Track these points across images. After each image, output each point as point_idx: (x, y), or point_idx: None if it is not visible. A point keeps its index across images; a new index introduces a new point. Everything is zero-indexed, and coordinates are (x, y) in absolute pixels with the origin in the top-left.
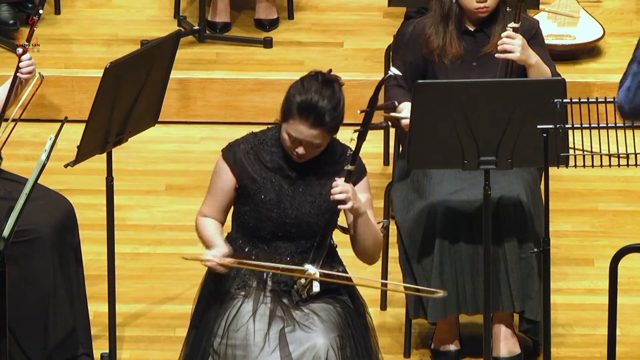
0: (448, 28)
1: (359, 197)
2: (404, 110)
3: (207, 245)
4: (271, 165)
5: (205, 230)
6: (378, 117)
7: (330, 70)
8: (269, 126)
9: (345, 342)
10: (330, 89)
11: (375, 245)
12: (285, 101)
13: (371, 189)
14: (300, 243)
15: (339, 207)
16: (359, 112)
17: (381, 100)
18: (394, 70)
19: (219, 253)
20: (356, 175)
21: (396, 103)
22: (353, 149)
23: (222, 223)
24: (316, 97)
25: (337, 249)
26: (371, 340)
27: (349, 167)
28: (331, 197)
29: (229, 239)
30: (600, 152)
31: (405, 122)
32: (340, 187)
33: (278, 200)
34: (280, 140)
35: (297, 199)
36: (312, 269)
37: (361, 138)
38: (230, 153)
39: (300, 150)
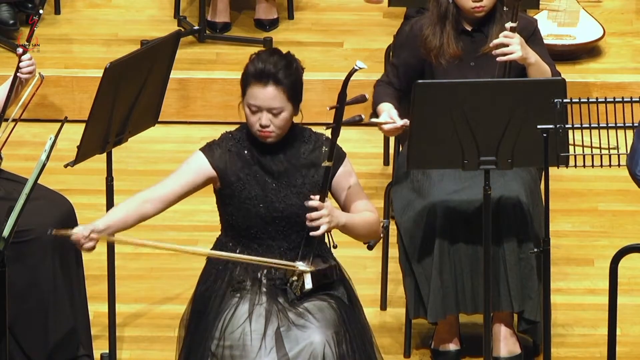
0: (445, 28)
1: (337, 213)
2: (383, 113)
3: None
4: (252, 161)
5: (116, 207)
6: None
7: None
8: (243, 123)
9: (342, 338)
10: (279, 54)
11: (368, 233)
12: (241, 81)
13: (371, 189)
14: (292, 238)
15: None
16: (328, 109)
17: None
18: (359, 64)
19: (88, 228)
20: (336, 163)
21: (366, 96)
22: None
23: (154, 212)
24: (265, 62)
25: (336, 248)
26: (367, 336)
27: (327, 164)
28: (309, 226)
29: (220, 244)
30: (600, 152)
31: (387, 127)
32: (315, 215)
33: (264, 195)
34: (252, 136)
35: (282, 191)
36: (302, 266)
37: (335, 134)
38: (212, 152)
39: (264, 119)
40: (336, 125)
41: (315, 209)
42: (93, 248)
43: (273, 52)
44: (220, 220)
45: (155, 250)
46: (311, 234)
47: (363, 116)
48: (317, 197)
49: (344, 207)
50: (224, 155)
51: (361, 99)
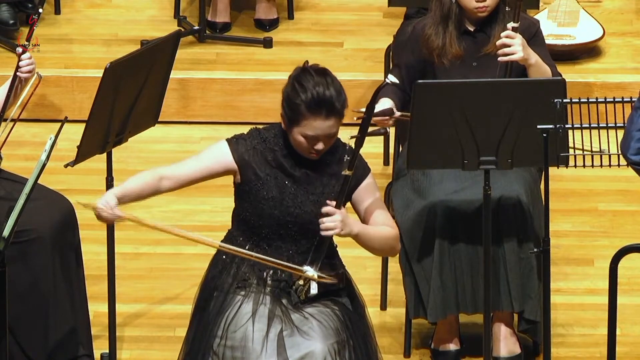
0: (448, 28)
1: (350, 221)
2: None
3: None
4: (274, 164)
5: (129, 179)
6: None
7: (307, 62)
8: (272, 123)
9: (344, 347)
10: (327, 77)
11: (384, 247)
12: (287, 107)
13: None
14: (301, 243)
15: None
16: (355, 119)
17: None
18: (391, 78)
19: (109, 198)
20: (358, 176)
21: (394, 109)
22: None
23: (169, 190)
24: (321, 90)
25: (337, 249)
26: (371, 343)
27: (347, 173)
28: (321, 228)
29: (230, 236)
30: (600, 152)
31: (375, 119)
32: (328, 219)
33: (281, 198)
34: (282, 139)
35: (299, 197)
36: (310, 271)
37: (358, 144)
38: (237, 146)
39: (320, 145)
40: (361, 137)
41: (328, 214)
42: (112, 219)
43: (319, 74)
44: (233, 213)
45: (156, 250)
46: (322, 233)
47: (388, 129)
48: (334, 202)
49: (363, 221)
50: (249, 151)
51: (389, 112)
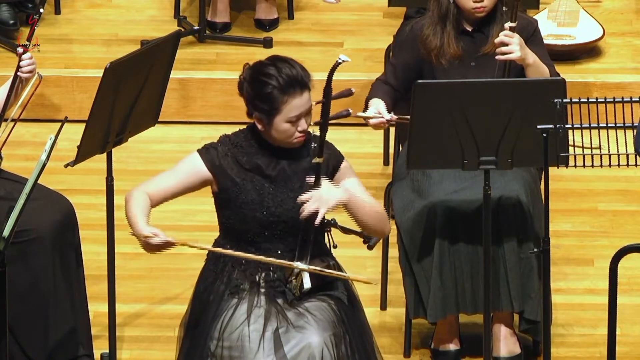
0: (446, 28)
1: (331, 192)
2: (371, 107)
3: (132, 222)
4: (249, 167)
5: (134, 205)
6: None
7: (248, 63)
8: (240, 128)
9: (340, 340)
10: (283, 59)
11: (378, 221)
12: (261, 103)
13: (371, 189)
14: (289, 241)
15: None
16: (314, 103)
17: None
18: (342, 58)
19: (157, 230)
20: (332, 164)
21: (352, 90)
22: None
23: (153, 207)
24: (287, 70)
25: (336, 248)
26: (368, 339)
27: (317, 160)
28: (303, 217)
29: (217, 245)
30: (600, 152)
31: (373, 121)
32: (307, 204)
33: (260, 200)
34: (254, 140)
35: (279, 196)
36: (300, 265)
37: (323, 129)
38: (209, 155)
39: (304, 124)
40: (323, 121)
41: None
42: (162, 245)
43: (275, 60)
44: (218, 222)
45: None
46: (307, 219)
47: (350, 110)
48: (312, 179)
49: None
50: (222, 159)
51: (347, 93)
